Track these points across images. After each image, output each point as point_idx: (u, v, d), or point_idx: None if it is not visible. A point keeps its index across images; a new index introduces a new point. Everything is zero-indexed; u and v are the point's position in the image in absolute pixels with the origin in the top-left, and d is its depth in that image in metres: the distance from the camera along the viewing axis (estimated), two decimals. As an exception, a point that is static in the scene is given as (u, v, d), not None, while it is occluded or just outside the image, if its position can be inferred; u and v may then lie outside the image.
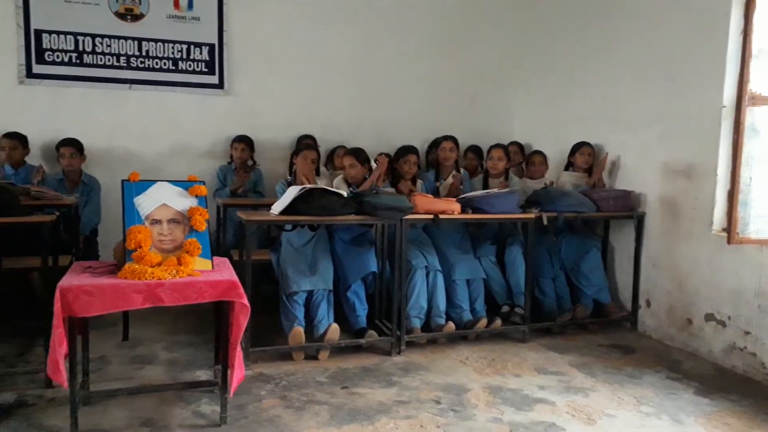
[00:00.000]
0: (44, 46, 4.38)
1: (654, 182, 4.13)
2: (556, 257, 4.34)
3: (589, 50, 4.80)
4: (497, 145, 4.57)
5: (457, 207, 3.75)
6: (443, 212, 3.69)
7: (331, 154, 5.06)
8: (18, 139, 4.14)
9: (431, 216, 3.65)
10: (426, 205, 3.67)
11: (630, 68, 4.36)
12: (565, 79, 5.06)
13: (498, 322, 3.93)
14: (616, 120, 4.48)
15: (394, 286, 3.63)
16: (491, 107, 5.71)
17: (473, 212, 3.81)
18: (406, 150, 4.28)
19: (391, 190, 4.03)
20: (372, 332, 3.66)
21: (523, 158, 5.19)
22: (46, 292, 2.98)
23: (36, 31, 4.36)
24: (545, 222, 3.94)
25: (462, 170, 4.55)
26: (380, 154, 4.55)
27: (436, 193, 4.20)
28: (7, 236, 3.51)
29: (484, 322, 3.88)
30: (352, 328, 3.73)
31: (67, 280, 2.39)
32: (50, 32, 4.39)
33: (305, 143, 4.58)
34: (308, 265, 3.71)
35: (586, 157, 4.58)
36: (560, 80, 5.14)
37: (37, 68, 4.38)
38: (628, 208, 4.20)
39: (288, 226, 3.71)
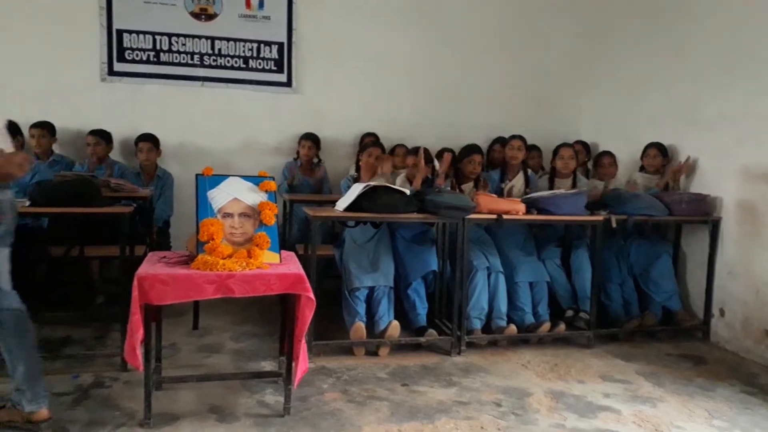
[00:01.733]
0: (125, 45, 4.61)
1: (731, 186, 3.94)
2: (624, 262, 4.21)
3: (661, 46, 4.61)
4: (567, 144, 4.46)
5: (521, 207, 3.69)
6: (507, 212, 3.64)
7: (390, 152, 5.08)
8: (102, 136, 4.36)
9: (494, 216, 3.60)
10: (489, 204, 3.63)
11: (706, 65, 4.16)
12: (636, 76, 4.89)
13: (562, 326, 3.84)
14: (690, 120, 4.29)
15: (454, 285, 3.62)
16: (557, 106, 5.60)
17: (538, 213, 3.74)
18: (471, 149, 4.24)
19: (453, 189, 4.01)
20: (432, 331, 3.66)
21: (588, 158, 5.06)
22: (124, 279, 3.13)
23: (118, 30, 4.58)
24: (614, 225, 3.82)
25: (530, 172, 4.46)
26: (442, 151, 4.55)
27: (500, 193, 4.15)
28: (86, 226, 3.72)
29: (547, 326, 3.80)
30: (411, 325, 3.74)
31: (144, 270, 2.49)
32: (130, 32, 4.61)
33: (369, 141, 4.62)
34: (370, 261, 3.74)
35: (651, 159, 4.41)
36: (630, 78, 4.96)
37: (118, 66, 4.61)
38: (703, 213, 4.02)
39: (351, 223, 3.76)
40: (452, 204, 3.45)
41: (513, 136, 4.36)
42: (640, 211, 3.89)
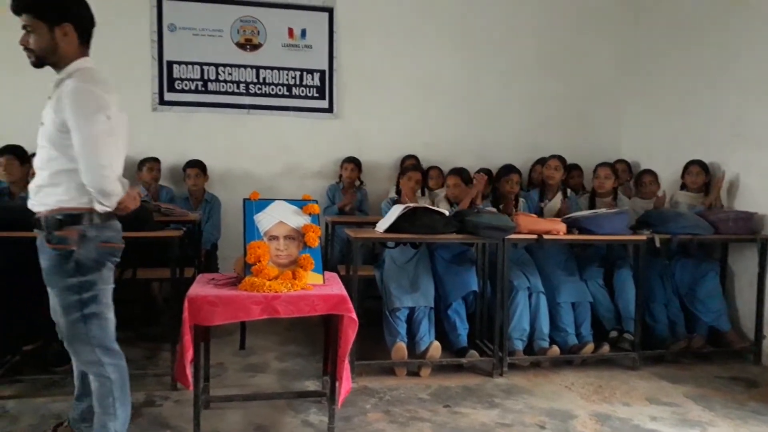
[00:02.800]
0: (174, 76, 4.84)
1: (780, 204, 3.85)
2: (669, 282, 4.13)
3: (704, 63, 4.56)
4: (604, 164, 4.44)
5: (562, 227, 3.68)
6: (548, 232, 3.64)
7: (427, 173, 5.13)
8: (157, 162, 4.60)
9: (535, 236, 3.61)
10: (529, 224, 3.64)
11: (751, 82, 4.10)
12: (678, 94, 4.84)
13: (606, 347, 3.78)
14: (737, 137, 4.22)
15: (495, 306, 3.62)
16: (597, 125, 5.58)
17: (579, 233, 3.72)
18: (508, 169, 4.27)
19: (492, 209, 4.03)
20: (473, 352, 3.66)
21: (630, 177, 5.00)
22: (173, 301, 3.26)
23: (168, 62, 4.82)
24: (657, 244, 3.76)
25: (569, 191, 4.45)
26: (477, 172, 4.58)
27: (540, 213, 4.15)
28: (139, 249, 3.88)
29: (590, 347, 3.75)
30: (452, 346, 3.75)
31: (194, 291, 2.59)
32: (180, 63, 4.84)
33: (409, 164, 4.69)
34: (410, 281, 3.78)
35: (694, 176, 4.35)
36: (673, 94, 4.91)
37: (168, 96, 4.84)
38: (750, 231, 3.93)
39: (391, 244, 3.81)
40: (492, 224, 3.47)
41: (551, 156, 4.37)
42: (684, 230, 3.83)
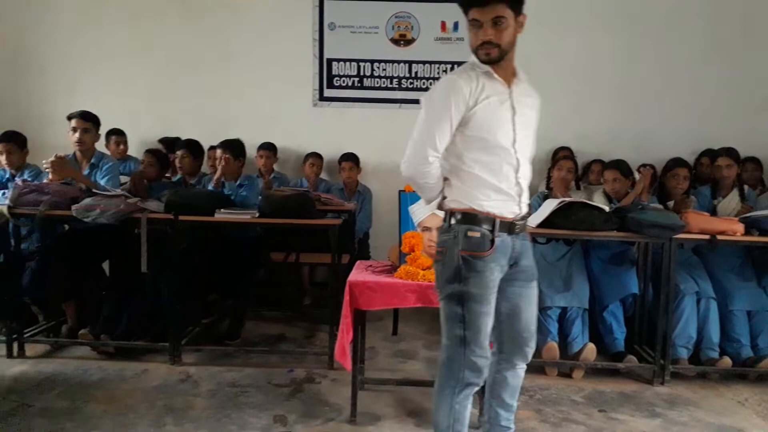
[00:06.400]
0: (333, 73, 5.09)
1: None
2: None
3: None
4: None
5: (739, 228, 3.33)
6: (722, 233, 3.31)
7: (587, 168, 4.90)
8: (320, 158, 4.92)
9: (707, 236, 3.30)
10: (701, 224, 3.34)
11: None
12: None
13: (790, 363, 3.38)
14: None
15: (658, 311, 3.38)
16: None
17: (760, 234, 3.35)
18: (676, 163, 3.94)
19: (658, 206, 3.76)
20: (631, 357, 3.45)
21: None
22: (333, 285, 3.46)
23: (328, 59, 5.08)
24: None
25: (747, 188, 4.02)
26: (643, 166, 4.29)
27: (712, 212, 3.80)
28: (298, 235, 4.17)
29: (769, 361, 3.38)
30: (607, 350, 3.57)
31: (354, 277, 2.73)
32: (338, 60, 5.08)
33: (562, 155, 4.52)
34: (562, 280, 3.65)
35: None
36: None
37: (327, 92, 5.10)
38: None
39: (542, 239, 3.70)
40: (658, 222, 3.23)
41: (721, 152, 3.97)
42: None
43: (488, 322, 2.01)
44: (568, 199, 3.41)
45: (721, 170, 3.94)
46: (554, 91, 5.04)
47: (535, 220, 3.39)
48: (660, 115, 5.06)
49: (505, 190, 2.00)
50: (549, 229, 3.34)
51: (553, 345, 3.41)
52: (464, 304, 1.97)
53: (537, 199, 4.05)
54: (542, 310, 3.53)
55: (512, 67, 2.03)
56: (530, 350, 2.17)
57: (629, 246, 3.77)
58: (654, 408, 3.03)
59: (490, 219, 1.98)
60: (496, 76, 1.97)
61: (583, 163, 4.93)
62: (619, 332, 3.58)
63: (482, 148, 1.99)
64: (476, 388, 2.07)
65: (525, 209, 2.08)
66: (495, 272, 1.99)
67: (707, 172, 4.40)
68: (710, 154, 4.38)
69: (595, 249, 3.79)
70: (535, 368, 3.45)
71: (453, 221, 2.03)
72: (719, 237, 3.29)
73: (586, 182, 4.78)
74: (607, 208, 3.37)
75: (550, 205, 3.37)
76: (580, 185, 4.51)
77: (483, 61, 1.95)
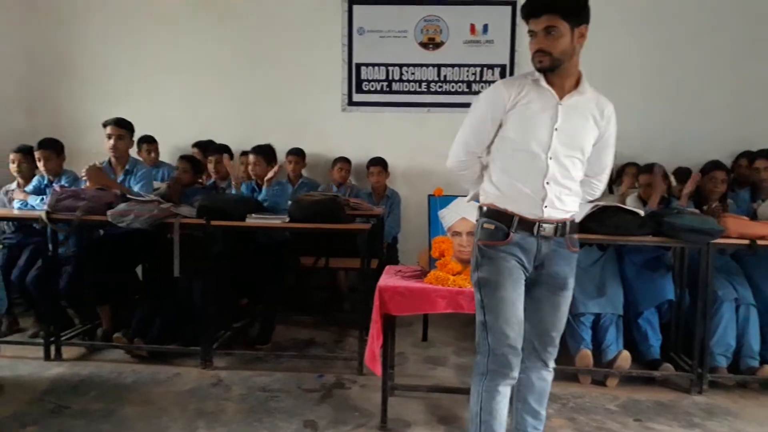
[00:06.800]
0: (362, 77, 5.10)
1: None
2: None
3: None
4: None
5: (781, 232, 3.23)
6: (762, 237, 3.22)
7: (620, 171, 4.80)
8: (348, 162, 4.93)
9: (746, 241, 3.21)
10: (740, 228, 3.24)
11: None
12: None
13: (837, 373, 3.25)
14: None
15: (695, 317, 3.29)
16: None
17: (804, 239, 3.24)
18: (712, 165, 3.85)
19: (695, 210, 3.67)
20: (668, 365, 3.36)
21: None
22: (360, 289, 3.45)
23: (357, 64, 5.09)
24: None
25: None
26: (677, 169, 4.20)
27: (752, 216, 3.68)
28: (328, 239, 4.18)
29: (815, 371, 3.26)
30: (642, 357, 3.49)
31: (384, 282, 2.72)
32: (367, 65, 5.08)
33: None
34: (596, 286, 3.58)
35: None
36: None
37: (356, 97, 5.11)
38: None
39: (576, 245, 3.64)
40: (695, 227, 3.15)
41: (760, 154, 3.86)
42: None
43: (507, 309, 2.06)
44: (601, 203, 3.35)
45: (760, 172, 3.84)
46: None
47: (566, 224, 3.34)
48: (696, 116, 4.93)
49: (528, 192, 2.06)
50: (582, 234, 3.26)
51: (586, 352, 3.35)
52: (482, 289, 2.10)
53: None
54: (575, 316, 3.47)
55: (573, 79, 2.07)
56: (549, 355, 2.20)
57: (664, 251, 3.69)
58: (692, 418, 2.95)
59: (508, 216, 2.07)
60: (544, 84, 2.04)
61: (616, 166, 4.83)
62: (655, 339, 3.51)
63: (512, 149, 2.08)
64: (506, 381, 2.10)
65: (555, 214, 2.08)
66: (509, 261, 2.07)
67: (746, 175, 4.28)
68: (749, 156, 4.27)
69: (629, 254, 3.72)
70: (568, 376, 3.39)
71: (479, 214, 2.19)
72: (759, 242, 3.19)
73: (619, 185, 4.68)
74: (641, 213, 3.30)
75: (583, 210, 3.31)
76: (613, 189, 4.42)
77: (537, 69, 2.03)
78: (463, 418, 2.86)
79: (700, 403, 3.14)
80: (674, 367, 3.37)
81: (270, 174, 3.81)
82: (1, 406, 2.89)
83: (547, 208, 2.06)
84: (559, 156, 2.05)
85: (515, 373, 2.10)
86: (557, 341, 2.20)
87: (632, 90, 4.96)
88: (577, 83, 2.08)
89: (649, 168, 3.86)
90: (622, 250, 3.72)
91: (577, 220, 2.20)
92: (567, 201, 2.09)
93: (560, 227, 2.09)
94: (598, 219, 3.23)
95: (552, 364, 2.22)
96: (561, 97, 2.05)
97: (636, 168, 4.41)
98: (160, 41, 5.17)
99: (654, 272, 3.60)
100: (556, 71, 2.02)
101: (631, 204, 3.76)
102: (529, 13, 2.00)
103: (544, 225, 2.06)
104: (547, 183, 2.05)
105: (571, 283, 2.16)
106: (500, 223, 2.08)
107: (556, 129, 2.04)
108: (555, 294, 2.14)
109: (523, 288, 2.10)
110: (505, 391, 2.11)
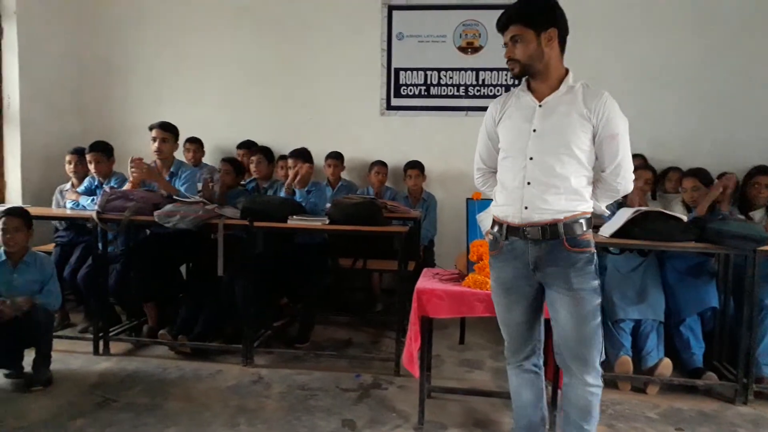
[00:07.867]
0: (401, 82, 5.13)
1: None
2: None
3: None
4: None
5: (831, 240, 3.13)
6: (812, 245, 3.13)
7: (663, 176, 4.72)
8: (385, 165, 4.96)
9: (794, 248, 3.13)
10: (788, 235, 3.16)
11: None
12: None
13: None
14: None
15: (740, 326, 3.21)
16: None
17: None
18: (758, 171, 3.75)
19: (741, 216, 3.59)
20: (711, 374, 3.29)
21: None
22: (400, 292, 3.48)
23: (395, 69, 5.13)
24: None
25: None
26: (723, 174, 4.10)
27: (800, 223, 3.58)
28: (365, 241, 4.23)
29: None
30: (684, 366, 3.42)
31: (422, 284, 2.75)
32: (406, 69, 5.11)
33: (637, 163, 4.36)
34: (636, 292, 3.54)
35: None
36: None
37: (394, 101, 5.14)
38: None
39: (615, 250, 3.60)
40: (741, 233, 3.08)
41: None
42: None
43: (501, 312, 2.31)
44: (643, 209, 3.31)
45: None
46: (621, 95, 4.84)
47: (608, 229, 3.32)
48: (741, 120, 4.81)
49: (512, 196, 2.15)
50: (624, 239, 3.25)
51: (626, 359, 3.31)
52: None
53: (611, 207, 3.94)
54: (615, 322, 3.44)
55: (554, 80, 2.15)
56: (579, 369, 2.15)
57: (708, 257, 3.61)
58: (736, 429, 2.88)
59: (500, 224, 2.21)
60: (525, 91, 2.18)
61: (659, 171, 4.75)
62: (698, 347, 3.44)
63: (503, 158, 2.24)
64: (514, 371, 2.38)
65: (539, 216, 2.09)
66: (506, 271, 2.22)
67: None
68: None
69: (671, 260, 3.65)
70: (608, 382, 3.31)
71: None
72: (808, 249, 3.11)
73: (663, 190, 4.60)
74: (684, 218, 3.24)
75: (624, 215, 3.28)
76: (656, 194, 4.35)
77: (512, 76, 2.21)
78: (500, 422, 2.87)
79: (746, 413, 3.06)
80: (718, 377, 3.31)
81: (291, 176, 3.92)
82: (52, 397, 3.02)
83: (527, 209, 2.10)
84: (542, 155, 2.10)
85: (520, 364, 2.35)
86: (585, 354, 2.12)
87: (674, 94, 4.88)
88: (559, 82, 2.14)
89: (693, 173, 3.78)
90: (663, 255, 3.66)
91: (583, 219, 2.11)
92: (554, 201, 2.09)
93: (549, 229, 2.08)
94: (641, 224, 3.20)
95: (591, 380, 2.15)
96: (541, 100, 2.13)
97: (679, 172, 4.33)
98: (203, 48, 5.31)
99: (697, 279, 3.54)
100: (536, 76, 2.14)
101: (675, 209, 3.71)
102: (498, 27, 2.16)
103: (528, 228, 2.11)
104: (528, 183, 2.11)
105: (579, 283, 2.08)
106: (497, 232, 2.22)
107: (534, 130, 2.11)
108: (564, 295, 2.11)
109: (523, 292, 2.21)
110: (517, 376, 2.38)
